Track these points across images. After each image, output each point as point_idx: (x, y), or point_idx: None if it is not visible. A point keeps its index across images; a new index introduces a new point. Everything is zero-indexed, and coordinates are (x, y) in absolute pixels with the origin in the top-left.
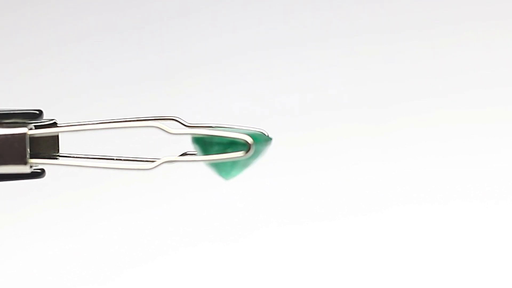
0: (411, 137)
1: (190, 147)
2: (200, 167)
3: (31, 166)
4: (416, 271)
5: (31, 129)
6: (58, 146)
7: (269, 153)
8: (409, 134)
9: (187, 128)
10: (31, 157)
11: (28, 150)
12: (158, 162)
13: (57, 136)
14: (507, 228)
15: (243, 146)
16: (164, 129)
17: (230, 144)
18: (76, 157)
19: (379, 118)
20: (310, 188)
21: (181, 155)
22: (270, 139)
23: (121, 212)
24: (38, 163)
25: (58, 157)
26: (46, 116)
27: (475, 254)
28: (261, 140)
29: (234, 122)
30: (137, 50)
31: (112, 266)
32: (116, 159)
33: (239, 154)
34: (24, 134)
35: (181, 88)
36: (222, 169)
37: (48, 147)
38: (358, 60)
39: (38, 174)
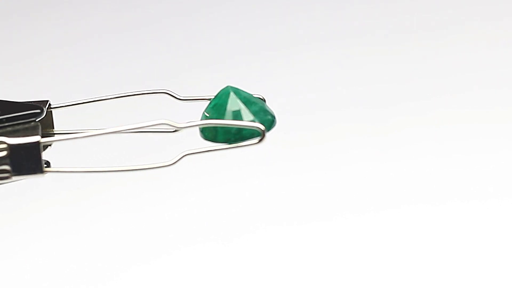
0: (411, 137)
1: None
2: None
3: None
4: (415, 271)
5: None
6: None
7: (268, 153)
8: (409, 134)
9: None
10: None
11: (43, 158)
12: None
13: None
14: (506, 229)
15: (255, 132)
16: (173, 95)
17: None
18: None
19: (378, 118)
20: (309, 188)
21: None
22: (274, 122)
23: (120, 211)
24: (53, 171)
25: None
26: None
27: (473, 254)
28: (270, 126)
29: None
30: (135, 52)
31: (109, 266)
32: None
33: (253, 141)
34: (38, 142)
35: (182, 88)
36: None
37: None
38: (359, 60)
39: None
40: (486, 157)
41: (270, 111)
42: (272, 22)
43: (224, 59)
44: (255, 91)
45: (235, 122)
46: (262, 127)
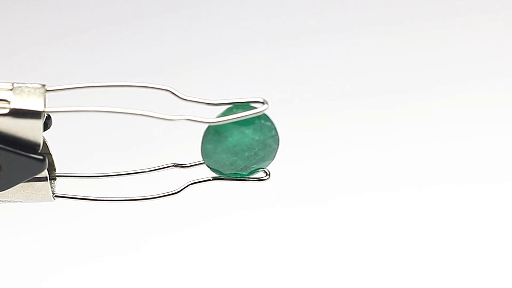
0: (407, 127)
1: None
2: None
3: (44, 119)
4: (412, 256)
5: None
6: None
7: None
8: (406, 124)
9: (196, 97)
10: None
11: (44, 102)
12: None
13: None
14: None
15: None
16: (176, 94)
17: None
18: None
19: (374, 109)
20: (305, 175)
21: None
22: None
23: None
24: (54, 111)
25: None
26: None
27: (470, 240)
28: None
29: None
30: (130, 45)
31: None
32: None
33: (257, 109)
34: (44, 86)
35: (180, 80)
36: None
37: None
38: (356, 51)
39: (41, 160)
40: (481, 146)
41: None
42: (269, 15)
43: (219, 52)
44: (253, 84)
45: (238, 99)
46: (266, 104)
